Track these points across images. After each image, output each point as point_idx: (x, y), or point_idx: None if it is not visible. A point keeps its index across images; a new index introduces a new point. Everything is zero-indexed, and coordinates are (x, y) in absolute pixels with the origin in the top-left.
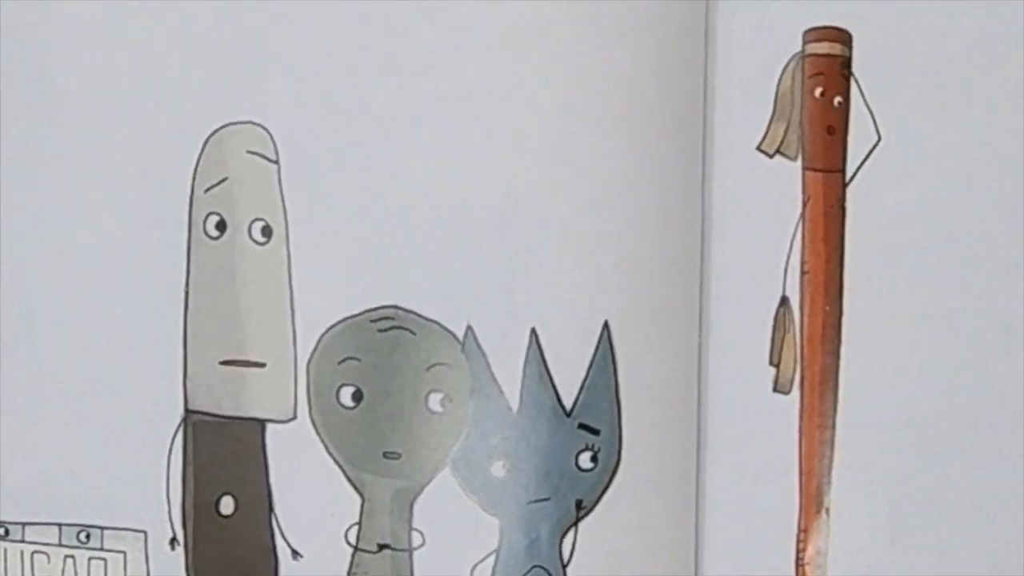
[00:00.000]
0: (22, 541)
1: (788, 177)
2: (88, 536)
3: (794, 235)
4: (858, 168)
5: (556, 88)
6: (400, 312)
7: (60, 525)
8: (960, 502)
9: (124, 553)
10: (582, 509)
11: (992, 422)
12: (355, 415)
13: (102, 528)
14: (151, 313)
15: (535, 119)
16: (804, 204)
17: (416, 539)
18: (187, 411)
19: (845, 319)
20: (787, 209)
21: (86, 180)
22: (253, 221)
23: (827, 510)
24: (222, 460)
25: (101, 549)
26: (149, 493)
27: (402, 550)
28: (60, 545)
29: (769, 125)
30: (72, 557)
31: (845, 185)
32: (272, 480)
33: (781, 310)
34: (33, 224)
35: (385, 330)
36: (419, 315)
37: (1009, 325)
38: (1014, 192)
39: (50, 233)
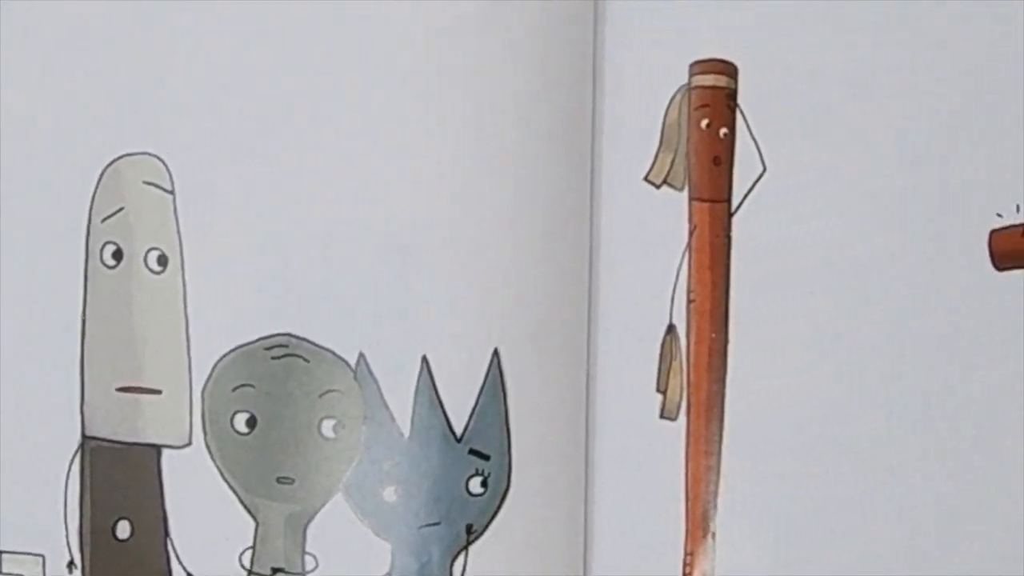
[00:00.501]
0: None
1: (675, 207)
2: None
3: (680, 264)
4: (744, 198)
5: (447, 120)
6: (293, 340)
7: None
8: (844, 527)
9: None
10: (472, 533)
11: (874, 447)
12: (249, 441)
13: (0, 552)
14: (49, 341)
15: (426, 150)
16: (690, 233)
17: (309, 563)
18: (84, 437)
19: (731, 347)
20: (674, 238)
21: None
22: (149, 250)
23: (713, 534)
24: (119, 485)
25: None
26: (47, 517)
27: (295, 574)
28: None
29: (656, 156)
30: None
31: (731, 215)
32: (168, 505)
33: (668, 338)
34: None
35: (279, 357)
36: (312, 342)
37: (891, 352)
38: (895, 222)
39: None
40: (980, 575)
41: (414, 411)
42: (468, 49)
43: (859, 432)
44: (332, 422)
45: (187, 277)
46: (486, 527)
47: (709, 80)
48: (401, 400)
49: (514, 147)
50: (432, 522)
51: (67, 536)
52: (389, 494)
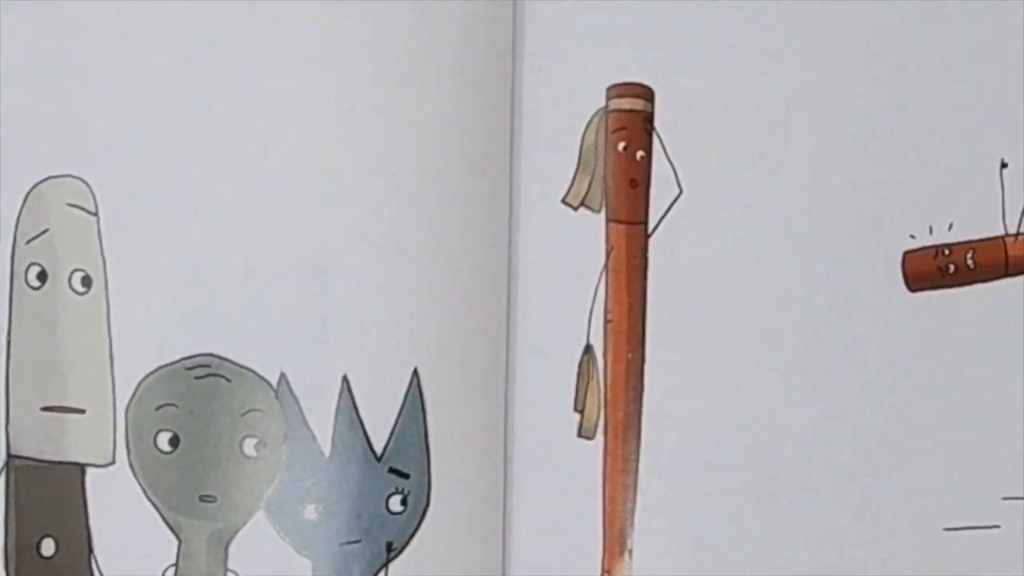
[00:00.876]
0: None
1: (592, 229)
2: None
3: (598, 285)
4: (660, 220)
5: (368, 143)
6: (216, 360)
7: None
8: (758, 543)
9: None
10: (392, 551)
11: (788, 465)
12: (172, 459)
13: None
14: None
15: (347, 173)
16: (607, 255)
17: None
18: (9, 456)
19: (647, 366)
20: (591, 260)
21: None
22: (73, 271)
23: (630, 551)
24: (43, 503)
25: None
26: None
27: None
28: None
29: (574, 178)
30: None
31: (647, 236)
32: (92, 522)
33: (585, 358)
34: None
35: (201, 377)
36: (234, 363)
37: (805, 372)
38: (809, 243)
39: None
40: None
41: (335, 430)
42: (387, 74)
43: (773, 450)
44: (254, 441)
45: (111, 298)
46: (406, 544)
47: (626, 104)
48: (322, 419)
49: (433, 169)
50: (352, 540)
51: None
52: (310, 512)
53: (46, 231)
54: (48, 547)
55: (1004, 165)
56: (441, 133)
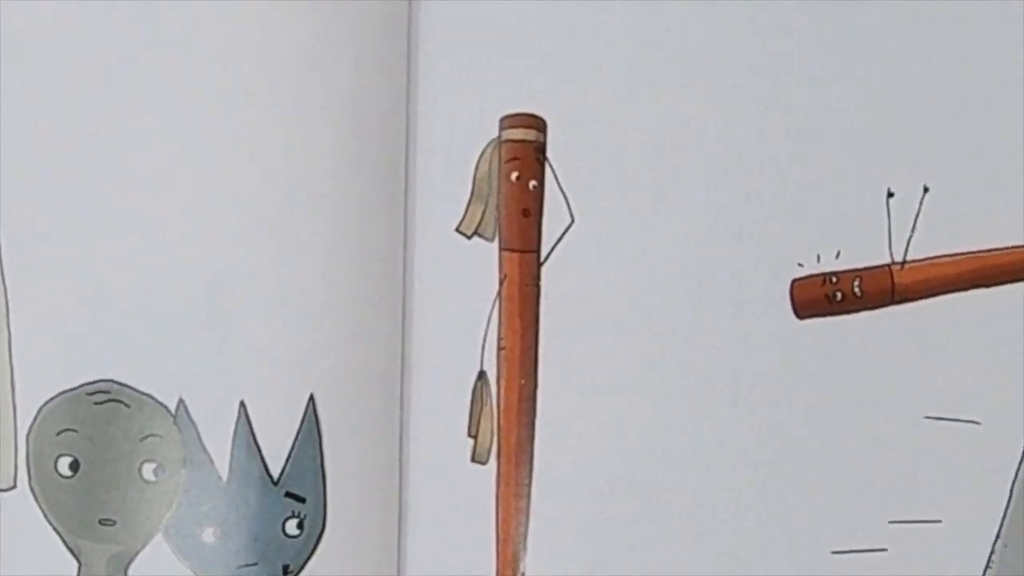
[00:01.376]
0: None
1: (486, 257)
2: None
3: (491, 312)
4: (552, 248)
5: (265, 171)
6: (115, 386)
7: None
8: (650, 567)
9: None
10: (288, 573)
11: (680, 490)
12: (72, 484)
13: None
14: None
15: (243, 200)
16: (501, 283)
17: None
18: None
19: (540, 392)
20: (484, 287)
21: None
22: None
23: (522, 574)
24: None
25: None
26: None
27: None
28: None
29: (468, 207)
30: None
31: (540, 264)
32: None
33: (479, 384)
34: None
35: (101, 403)
36: (133, 388)
37: (695, 398)
38: (699, 271)
39: None
40: None
41: (232, 455)
42: (282, 102)
43: (663, 475)
44: (153, 466)
45: (11, 324)
46: (302, 567)
47: (519, 134)
48: (220, 444)
49: (329, 197)
50: (250, 562)
51: None
52: (208, 535)
53: None
54: None
55: (891, 195)
56: (337, 162)
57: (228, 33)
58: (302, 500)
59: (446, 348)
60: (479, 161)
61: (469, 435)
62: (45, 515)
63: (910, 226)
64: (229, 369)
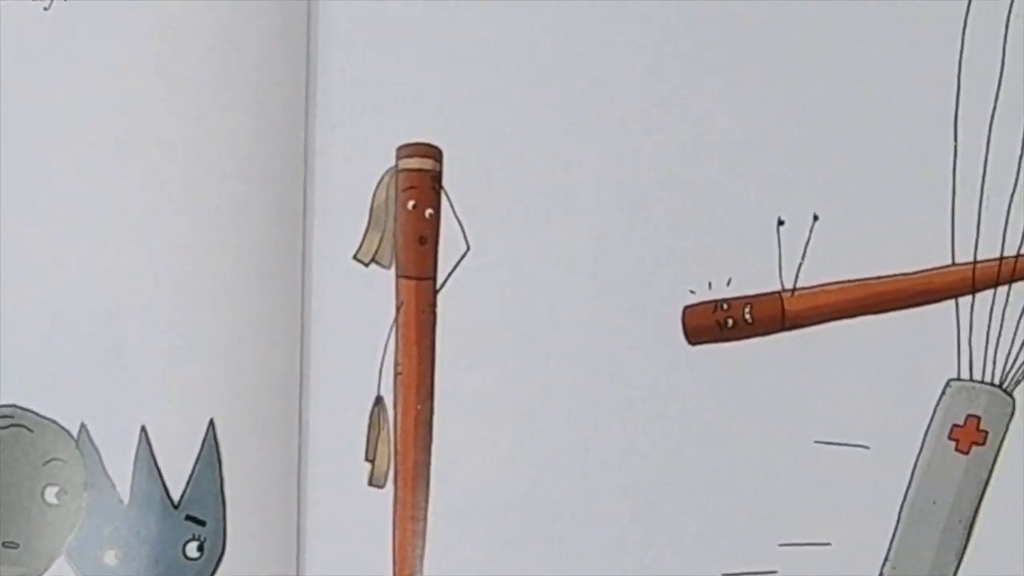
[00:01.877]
0: None
1: (383, 284)
2: None
3: (388, 338)
4: (448, 276)
5: (165, 198)
6: (18, 411)
7: None
8: None
9: None
10: None
11: (573, 512)
12: None
13: None
14: None
15: (144, 226)
16: (397, 309)
17: None
18: None
19: (436, 417)
20: (382, 314)
21: None
22: None
23: None
24: None
25: None
26: None
27: None
28: None
29: (365, 235)
30: None
31: (436, 292)
32: None
33: (376, 409)
34: None
35: (4, 427)
36: (36, 413)
37: (589, 423)
38: (593, 298)
39: None
40: None
41: (133, 479)
42: (183, 131)
43: (557, 498)
44: (55, 489)
45: None
46: None
47: (415, 163)
48: (121, 468)
49: (228, 225)
50: None
51: None
52: (110, 558)
53: None
54: None
55: (781, 223)
56: (236, 190)
57: (135, 64)
58: (202, 523)
59: (344, 374)
60: (376, 190)
61: (367, 459)
62: None
63: (800, 254)
64: (130, 394)
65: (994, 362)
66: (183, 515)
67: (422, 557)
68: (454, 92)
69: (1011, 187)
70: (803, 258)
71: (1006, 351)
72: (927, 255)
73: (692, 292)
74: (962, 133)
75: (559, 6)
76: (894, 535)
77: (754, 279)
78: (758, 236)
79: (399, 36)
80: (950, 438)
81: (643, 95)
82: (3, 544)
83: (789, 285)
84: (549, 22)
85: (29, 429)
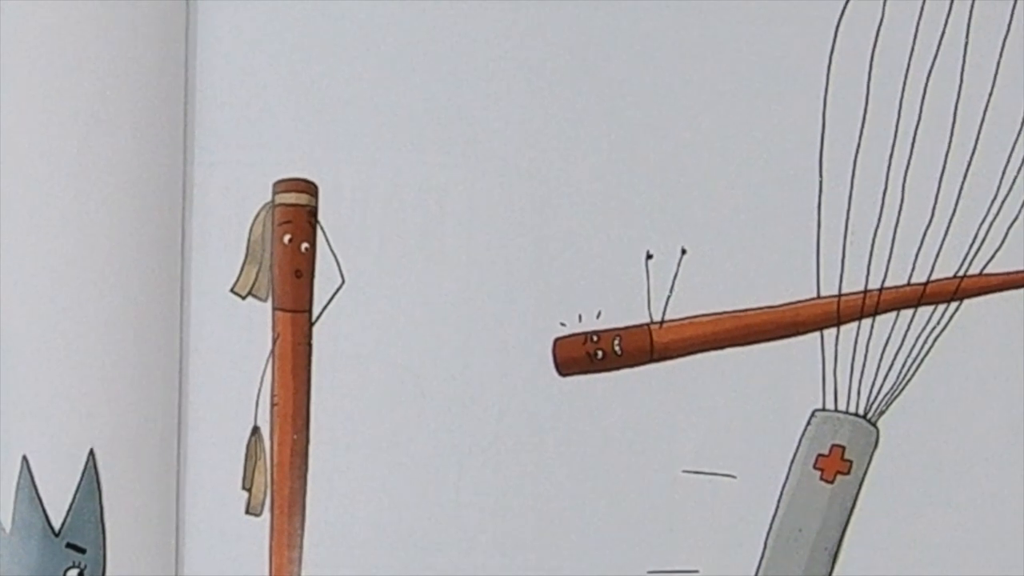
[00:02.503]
0: None
1: (260, 317)
2: None
3: (265, 370)
4: (323, 309)
5: (43, 230)
6: None
7: None
8: None
9: None
10: None
11: (447, 541)
12: None
13: None
14: None
15: (23, 258)
16: (274, 341)
17: None
18: None
19: (311, 447)
20: (259, 346)
21: None
22: None
23: None
24: None
25: None
26: None
27: None
28: None
29: (242, 269)
30: None
31: (312, 324)
32: None
33: (253, 439)
34: None
35: None
36: None
37: (461, 453)
38: (462, 329)
39: None
40: None
41: (15, 508)
42: (62, 164)
43: (432, 526)
44: None
45: None
46: None
47: (291, 198)
48: (3, 497)
49: (108, 258)
50: None
51: None
52: None
53: None
54: None
55: (649, 256)
56: (115, 224)
57: (11, 98)
58: (82, 551)
59: (221, 404)
60: (253, 224)
61: (244, 488)
62: None
63: (668, 286)
64: (11, 425)
65: (858, 393)
66: (64, 543)
67: None
68: (329, 129)
69: (875, 222)
70: (671, 291)
71: (870, 382)
72: (793, 288)
73: (563, 324)
74: (827, 169)
75: (431, 45)
76: (760, 562)
77: (624, 312)
78: (627, 269)
79: (276, 74)
80: (815, 467)
81: (514, 130)
82: None
83: (658, 317)
84: (422, 60)
85: None
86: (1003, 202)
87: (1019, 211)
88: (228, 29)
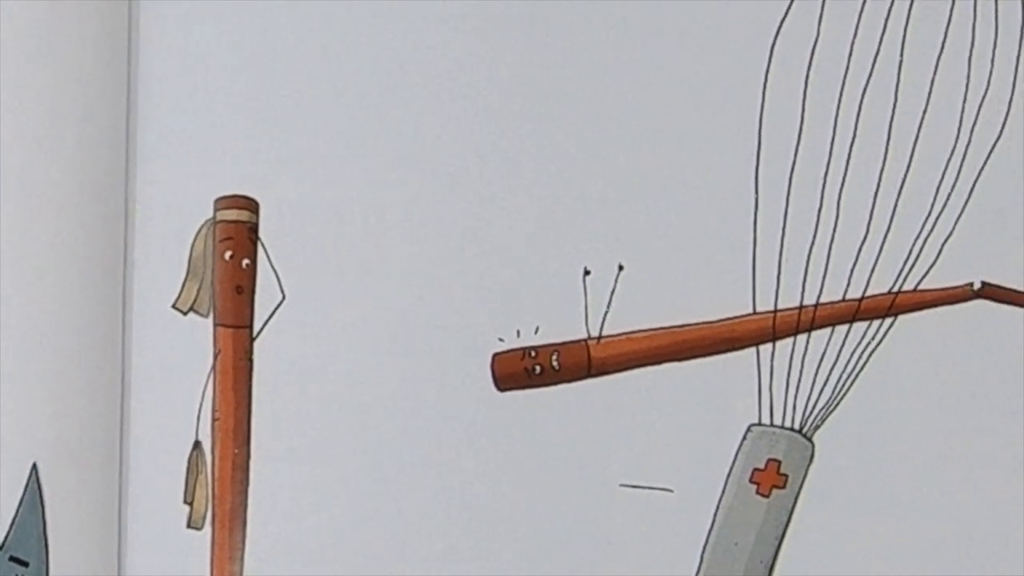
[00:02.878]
0: None
1: (201, 332)
2: None
3: (206, 385)
4: (264, 324)
5: None
6: None
7: None
8: None
9: None
10: None
11: (387, 552)
12: None
13: None
14: None
15: None
16: (215, 357)
17: None
18: None
19: (253, 461)
20: (200, 361)
21: None
22: None
23: None
24: None
25: None
26: None
27: None
28: None
29: (183, 285)
30: None
31: (253, 339)
32: None
33: (194, 453)
34: None
35: None
36: None
37: (399, 466)
38: (404, 346)
39: None
40: None
41: None
42: (5, 180)
43: (372, 540)
44: None
45: None
46: None
47: (232, 215)
48: None
49: (49, 275)
50: None
51: None
52: None
53: None
54: None
55: (587, 272)
56: (58, 242)
57: None
58: (25, 564)
59: (163, 419)
60: (194, 240)
61: (185, 502)
62: None
63: (606, 302)
64: None
65: (794, 408)
66: (7, 556)
67: None
68: (270, 146)
69: (810, 238)
70: (608, 307)
71: (805, 397)
72: (728, 304)
73: (501, 340)
74: (762, 186)
75: (371, 63)
76: (697, 575)
77: (561, 327)
78: (565, 285)
79: (217, 91)
80: (751, 481)
81: (452, 147)
82: None
83: (595, 333)
84: (361, 78)
85: None
86: (937, 219)
87: (953, 228)
88: (169, 47)
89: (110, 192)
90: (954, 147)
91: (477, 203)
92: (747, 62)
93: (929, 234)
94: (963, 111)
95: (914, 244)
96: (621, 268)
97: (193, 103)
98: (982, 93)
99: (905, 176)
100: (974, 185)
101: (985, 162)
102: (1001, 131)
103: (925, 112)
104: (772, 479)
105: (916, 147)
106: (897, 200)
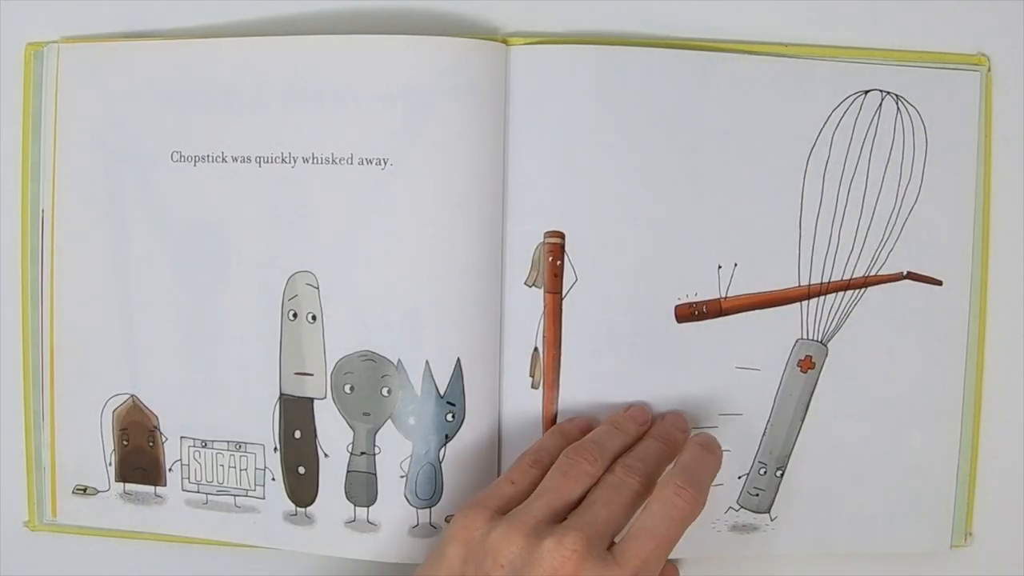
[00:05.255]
0: None
1: (537, 296)
2: None
3: (539, 322)
4: (567, 291)
5: None
6: (369, 352)
7: None
8: None
9: None
10: None
11: None
12: (352, 396)
13: None
14: None
15: None
16: (544, 308)
17: None
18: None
19: (562, 358)
20: (537, 311)
21: None
22: None
23: None
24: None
25: None
26: None
27: None
28: None
29: (528, 272)
30: None
31: (562, 299)
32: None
33: (534, 352)
34: None
35: (364, 360)
36: (376, 353)
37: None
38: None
39: None
40: None
41: (422, 386)
42: None
43: None
44: (386, 388)
45: None
46: None
47: (554, 239)
48: (413, 379)
49: (472, 264)
50: None
51: None
52: (411, 420)
53: None
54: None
55: (720, 267)
56: (481, 255)
57: None
58: (453, 404)
59: (518, 337)
60: (535, 252)
61: (529, 375)
62: (339, 410)
63: (728, 280)
64: (448, 333)
65: (817, 331)
66: (445, 400)
67: None
68: (574, 201)
69: (825, 249)
70: (730, 282)
71: (823, 326)
72: (785, 280)
73: (678, 299)
74: (804, 224)
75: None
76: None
77: (708, 292)
78: (709, 271)
79: (553, 169)
80: (797, 365)
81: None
82: (363, 413)
83: (724, 295)
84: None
85: (374, 360)
86: (886, 240)
87: (894, 245)
88: (532, 148)
89: (497, 228)
90: (895, 205)
91: (667, 232)
92: (792, 159)
93: (883, 248)
94: (900, 184)
95: (876, 253)
96: (736, 265)
97: (544, 178)
98: (908, 180)
99: (871, 220)
100: (904, 223)
101: (909, 213)
102: (917, 197)
103: (881, 187)
104: (807, 364)
105: (876, 207)
106: (867, 233)
